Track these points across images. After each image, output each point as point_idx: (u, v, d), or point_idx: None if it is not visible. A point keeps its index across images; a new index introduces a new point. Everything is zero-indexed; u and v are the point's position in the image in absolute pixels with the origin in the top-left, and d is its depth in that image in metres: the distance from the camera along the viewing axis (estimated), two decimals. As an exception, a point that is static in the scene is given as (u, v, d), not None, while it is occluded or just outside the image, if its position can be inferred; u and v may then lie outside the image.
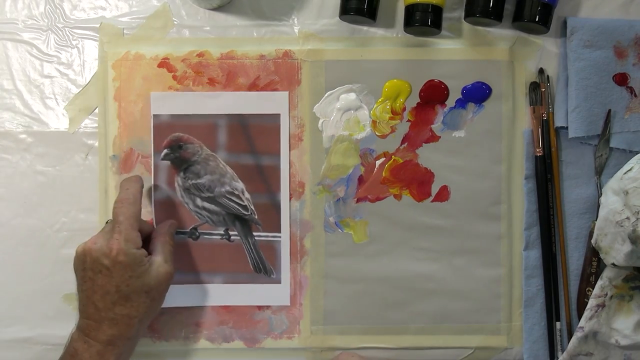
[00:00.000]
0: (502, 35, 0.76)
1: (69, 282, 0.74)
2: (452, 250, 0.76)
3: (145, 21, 0.76)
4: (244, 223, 0.75)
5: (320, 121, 0.76)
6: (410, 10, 0.73)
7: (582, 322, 0.72)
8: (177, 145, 0.75)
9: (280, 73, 0.76)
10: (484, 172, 0.76)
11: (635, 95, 0.75)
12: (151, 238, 0.72)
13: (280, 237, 0.75)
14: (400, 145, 0.76)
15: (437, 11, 0.73)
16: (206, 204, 0.75)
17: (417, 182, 0.76)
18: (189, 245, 0.75)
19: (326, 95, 0.76)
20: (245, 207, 0.75)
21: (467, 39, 0.76)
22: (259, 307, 0.76)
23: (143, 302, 0.68)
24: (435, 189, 0.76)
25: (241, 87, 0.75)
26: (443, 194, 0.76)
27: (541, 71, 0.76)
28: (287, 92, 0.75)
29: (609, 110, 0.74)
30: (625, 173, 0.71)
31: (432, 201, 0.76)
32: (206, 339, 0.76)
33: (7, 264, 0.76)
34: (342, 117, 0.76)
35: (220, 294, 0.75)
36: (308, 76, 0.75)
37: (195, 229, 0.75)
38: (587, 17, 0.76)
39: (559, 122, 0.75)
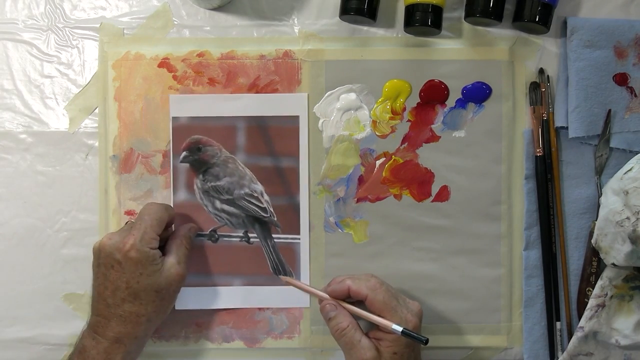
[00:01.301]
0: (502, 35, 0.76)
1: (69, 282, 0.74)
2: (452, 250, 0.76)
3: (145, 21, 0.76)
4: (264, 225, 0.75)
5: (320, 121, 0.76)
6: (410, 10, 0.73)
7: (582, 322, 0.72)
8: (196, 147, 0.75)
9: (280, 73, 0.76)
10: (484, 172, 0.76)
11: (636, 95, 0.75)
12: (168, 239, 0.72)
13: (299, 238, 0.75)
14: (401, 145, 0.76)
15: (437, 11, 0.73)
16: (225, 207, 0.74)
17: (417, 182, 0.76)
18: (208, 247, 0.75)
19: (326, 95, 0.76)
20: (264, 209, 0.75)
21: (467, 39, 0.76)
22: (259, 307, 0.76)
23: (152, 301, 0.68)
24: (435, 189, 0.76)
25: (241, 87, 0.75)
26: (443, 194, 0.76)
27: (541, 71, 0.76)
28: (307, 94, 0.75)
29: (609, 110, 0.74)
30: (625, 173, 0.71)
31: (432, 201, 0.76)
32: (206, 339, 0.76)
33: (7, 264, 0.76)
34: (342, 117, 0.76)
35: (240, 296, 0.75)
36: (308, 76, 0.75)
37: (214, 231, 0.75)
38: (587, 17, 0.76)
39: (559, 122, 0.75)
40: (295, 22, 0.76)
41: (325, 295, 0.71)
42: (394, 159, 0.76)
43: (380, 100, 0.76)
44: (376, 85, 0.76)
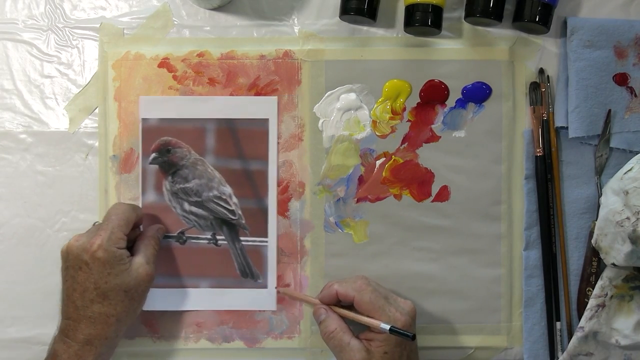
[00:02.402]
0: (502, 35, 0.76)
1: (69, 282, 0.73)
2: (452, 250, 0.76)
3: (145, 21, 0.76)
4: (232, 228, 0.75)
5: (321, 121, 0.76)
6: (410, 10, 0.73)
7: (582, 322, 0.72)
8: (165, 149, 0.75)
9: (280, 73, 0.76)
10: (484, 172, 0.76)
11: (635, 95, 0.75)
12: (136, 240, 0.72)
13: (267, 242, 0.75)
14: (401, 145, 0.76)
15: (437, 11, 0.73)
16: (194, 208, 0.74)
17: (417, 182, 0.76)
18: (176, 249, 0.75)
19: (326, 95, 0.76)
20: (232, 212, 0.75)
21: (467, 39, 0.76)
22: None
23: (121, 301, 0.68)
24: (435, 189, 0.76)
25: (241, 87, 0.75)
26: (443, 194, 0.76)
27: (541, 71, 0.76)
28: (276, 97, 0.75)
29: (609, 110, 0.74)
30: (625, 173, 0.71)
31: (432, 201, 0.76)
32: (206, 339, 0.76)
33: (7, 264, 0.76)
34: (342, 117, 0.76)
35: (207, 298, 0.75)
36: (308, 76, 0.75)
37: (182, 233, 0.75)
38: (587, 17, 0.76)
39: (559, 122, 0.75)
40: (295, 22, 0.76)
41: (317, 302, 0.72)
42: (394, 159, 0.76)
43: (380, 100, 0.76)
44: (376, 85, 0.76)
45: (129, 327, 0.71)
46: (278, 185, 0.75)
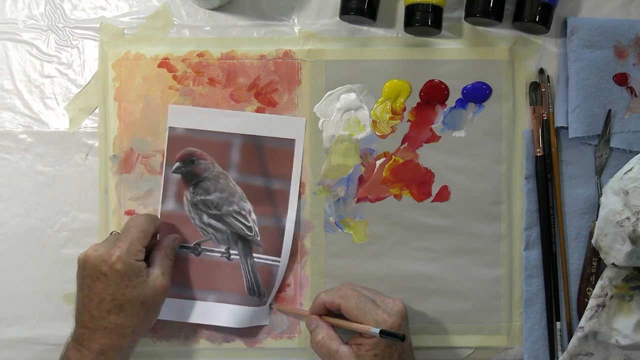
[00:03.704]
0: (502, 35, 0.76)
1: (69, 282, 0.74)
2: (452, 250, 0.76)
3: (145, 21, 0.76)
4: (246, 244, 0.75)
5: (321, 121, 0.76)
6: (410, 10, 0.73)
7: (582, 322, 0.72)
8: (189, 159, 0.74)
9: (280, 73, 0.76)
10: (484, 172, 0.76)
11: (636, 95, 0.75)
12: (152, 250, 0.71)
13: (279, 261, 0.75)
14: (401, 145, 0.76)
15: (437, 11, 0.73)
16: (212, 221, 0.74)
17: (417, 182, 0.76)
18: (189, 260, 0.75)
19: (326, 95, 0.76)
20: (250, 228, 0.74)
21: (467, 39, 0.76)
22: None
23: (137, 313, 0.67)
24: (435, 189, 0.76)
25: (241, 87, 0.75)
26: (443, 194, 0.76)
27: (541, 71, 0.76)
28: (305, 119, 0.75)
29: (609, 110, 0.74)
30: (625, 173, 0.71)
31: (432, 201, 0.76)
32: (206, 339, 0.76)
33: (7, 264, 0.76)
34: (342, 117, 0.76)
35: (210, 312, 0.74)
36: (308, 76, 0.75)
37: (198, 244, 0.75)
38: (587, 17, 0.76)
39: (559, 122, 0.75)
40: (295, 22, 0.76)
41: (308, 313, 0.72)
42: (394, 159, 0.76)
43: (380, 100, 0.76)
44: (376, 85, 0.76)
45: None
46: (278, 185, 0.76)
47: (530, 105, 0.76)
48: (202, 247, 0.75)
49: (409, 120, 0.76)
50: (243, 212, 0.74)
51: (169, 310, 0.73)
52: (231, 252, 0.75)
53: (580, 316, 0.74)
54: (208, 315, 0.74)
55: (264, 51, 0.76)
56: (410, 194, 0.76)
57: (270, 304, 0.75)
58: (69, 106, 0.76)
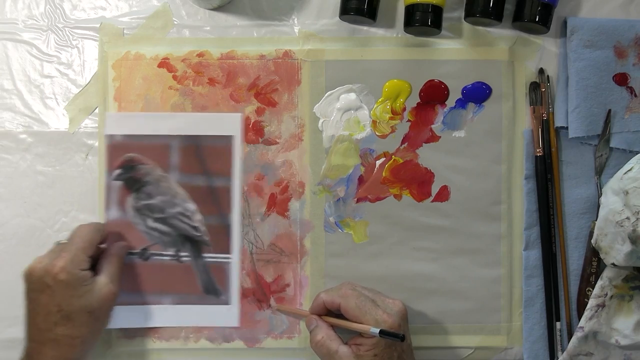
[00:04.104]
0: (502, 35, 0.76)
1: (69, 282, 0.73)
2: (452, 250, 0.76)
3: (145, 21, 0.76)
4: (195, 244, 0.75)
5: (320, 121, 0.76)
6: (410, 10, 0.73)
7: (582, 322, 0.72)
8: (129, 165, 0.74)
9: (280, 73, 0.76)
10: (484, 172, 0.76)
11: (636, 95, 0.75)
12: (99, 258, 0.71)
13: (230, 258, 0.75)
14: (401, 145, 0.76)
15: (437, 11, 0.73)
16: (158, 225, 0.74)
17: (417, 182, 0.76)
18: (139, 266, 0.75)
19: (326, 95, 0.76)
20: (196, 228, 0.74)
21: (467, 39, 0.76)
22: (259, 307, 0.75)
23: (85, 322, 0.67)
24: (435, 189, 0.76)
25: (241, 87, 0.75)
26: (443, 194, 0.76)
27: (541, 71, 0.76)
28: (240, 115, 0.75)
29: (609, 110, 0.74)
30: (625, 173, 0.71)
31: (432, 201, 0.76)
32: (206, 339, 0.76)
33: (7, 264, 0.76)
34: (342, 117, 0.76)
35: (171, 314, 0.74)
36: (308, 76, 0.75)
37: (145, 249, 0.75)
38: (587, 17, 0.76)
39: (559, 122, 0.75)
40: (295, 22, 0.76)
41: (308, 313, 0.72)
42: (394, 159, 0.76)
43: (380, 100, 0.76)
44: (376, 85, 0.76)
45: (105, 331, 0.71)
46: (278, 185, 0.76)
47: (530, 105, 0.76)
48: (150, 251, 0.75)
49: (408, 120, 0.76)
50: (187, 213, 0.74)
51: (125, 318, 0.74)
52: (180, 254, 0.75)
53: (580, 316, 0.74)
54: (168, 318, 0.74)
55: (264, 51, 0.76)
56: (410, 194, 0.76)
57: (270, 304, 0.75)
58: (69, 106, 0.76)
